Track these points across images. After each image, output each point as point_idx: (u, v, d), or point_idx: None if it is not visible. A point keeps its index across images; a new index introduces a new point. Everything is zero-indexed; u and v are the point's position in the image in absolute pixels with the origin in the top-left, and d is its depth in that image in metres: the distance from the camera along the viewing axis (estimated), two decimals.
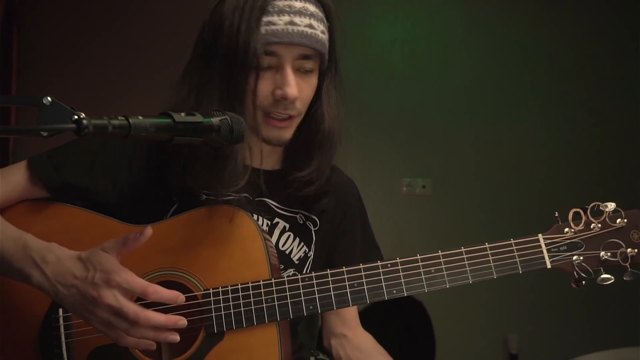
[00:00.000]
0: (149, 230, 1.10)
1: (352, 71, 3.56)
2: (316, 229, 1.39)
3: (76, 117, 0.81)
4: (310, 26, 1.21)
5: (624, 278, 1.18)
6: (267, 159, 1.34)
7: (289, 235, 1.36)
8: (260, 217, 1.33)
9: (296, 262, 1.36)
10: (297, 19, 1.20)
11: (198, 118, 1.00)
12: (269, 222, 1.34)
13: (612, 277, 1.18)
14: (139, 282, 1.08)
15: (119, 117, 0.88)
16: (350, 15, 3.69)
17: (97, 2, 3.59)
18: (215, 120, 1.03)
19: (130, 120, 0.88)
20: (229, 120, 1.06)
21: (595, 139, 3.68)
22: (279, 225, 1.35)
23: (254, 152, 1.29)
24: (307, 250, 1.38)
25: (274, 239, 1.34)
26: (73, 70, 3.50)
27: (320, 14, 1.25)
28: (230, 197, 1.28)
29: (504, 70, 3.73)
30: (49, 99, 0.82)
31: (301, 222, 1.37)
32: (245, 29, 1.18)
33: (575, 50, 3.71)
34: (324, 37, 1.25)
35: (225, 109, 1.17)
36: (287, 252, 1.36)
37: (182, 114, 0.98)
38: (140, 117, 0.90)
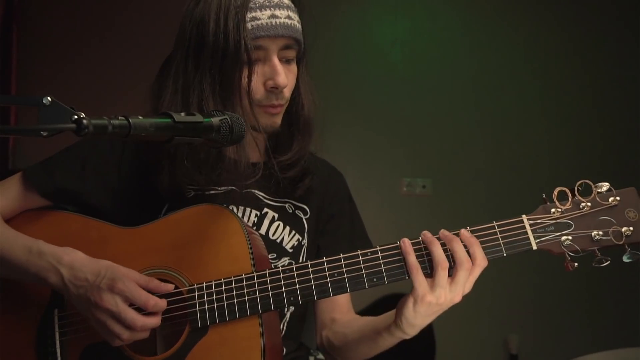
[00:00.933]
0: (170, 287, 1.20)
1: (353, 71, 3.60)
2: (307, 217, 1.42)
3: (76, 117, 0.82)
4: (289, 17, 1.27)
5: (624, 260, 1.12)
6: (252, 152, 1.36)
7: (279, 225, 1.38)
8: (248, 208, 1.36)
9: (290, 250, 1.38)
10: (277, 12, 1.26)
11: (198, 118, 1.00)
12: (258, 213, 1.37)
13: (609, 258, 1.13)
14: (142, 295, 1.15)
15: (119, 117, 0.88)
16: (350, 15, 3.69)
17: (97, 2, 3.60)
18: (215, 120, 1.04)
19: (130, 120, 0.88)
20: (229, 120, 1.06)
21: (597, 139, 3.67)
22: (268, 215, 1.38)
23: (239, 145, 1.31)
24: (300, 238, 1.40)
25: (263, 229, 1.36)
26: (73, 70, 3.50)
27: (293, 6, 1.31)
28: (218, 191, 1.32)
29: (504, 69, 3.73)
30: (49, 99, 0.82)
31: (290, 211, 1.40)
32: (233, 27, 1.23)
33: (575, 48, 3.71)
34: (299, 26, 1.31)
35: (219, 106, 1.23)
36: (277, 240, 1.37)
37: (182, 114, 0.98)
38: (140, 117, 0.91)
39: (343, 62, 3.62)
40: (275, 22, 1.25)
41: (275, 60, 1.26)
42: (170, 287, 1.20)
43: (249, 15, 1.24)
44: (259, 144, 1.36)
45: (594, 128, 3.68)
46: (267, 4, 1.25)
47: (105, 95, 3.40)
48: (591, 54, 3.71)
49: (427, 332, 3.42)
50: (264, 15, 1.24)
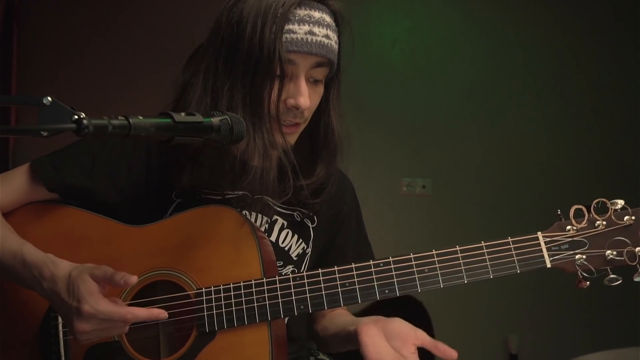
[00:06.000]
0: (134, 279, 1.09)
1: (352, 71, 3.58)
2: (314, 225, 1.41)
3: (76, 117, 0.81)
4: (327, 37, 1.23)
5: (635, 279, 1.12)
6: (267, 159, 1.35)
7: (288, 232, 1.37)
8: (260, 214, 1.34)
9: (295, 258, 1.37)
10: (316, 29, 1.21)
11: (198, 118, 1.00)
12: (269, 220, 1.35)
13: (620, 278, 1.13)
14: (114, 310, 1.08)
15: (119, 117, 0.87)
16: (350, 15, 3.68)
17: (97, 2, 3.59)
18: (215, 120, 1.03)
19: (130, 120, 0.88)
20: (229, 120, 1.05)
21: (596, 139, 3.68)
22: (278, 222, 1.36)
23: (253, 150, 1.30)
24: (305, 246, 1.39)
25: (273, 236, 1.35)
26: (73, 70, 3.50)
27: (334, 25, 1.27)
28: (230, 195, 1.30)
29: (504, 70, 3.73)
30: (49, 99, 0.81)
31: (299, 219, 1.38)
32: (269, 37, 1.18)
33: (576, 49, 3.71)
34: (336, 47, 1.27)
35: (248, 116, 1.20)
36: (285, 248, 1.36)
37: (182, 114, 0.98)
38: (140, 117, 0.90)
39: (342, 62, 3.62)
40: (312, 39, 1.20)
41: (302, 80, 1.23)
42: (134, 279, 1.09)
43: (286, 27, 1.19)
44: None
45: (594, 128, 3.68)
46: (307, 19, 1.21)
47: (105, 95, 3.40)
48: (591, 53, 3.71)
49: (427, 332, 3.42)
50: (301, 30, 1.20)
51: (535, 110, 3.71)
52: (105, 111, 0.91)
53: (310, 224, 1.40)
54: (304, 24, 1.20)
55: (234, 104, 1.21)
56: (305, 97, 1.22)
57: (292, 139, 1.29)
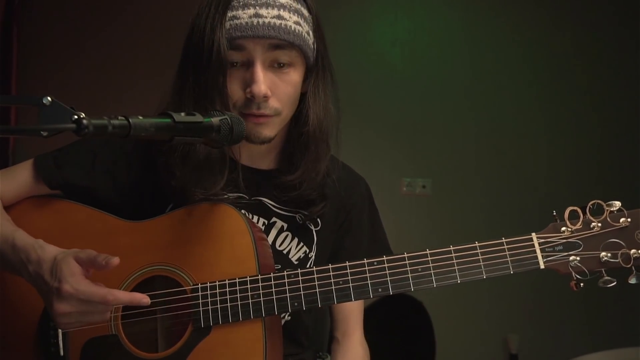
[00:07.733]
0: (116, 260, 1.09)
1: (352, 71, 3.60)
2: (318, 229, 1.38)
3: (76, 117, 0.81)
4: (279, 17, 1.17)
5: (629, 281, 1.12)
6: (263, 159, 1.35)
7: (287, 235, 1.35)
8: (256, 216, 1.33)
9: (295, 262, 1.35)
10: (262, 11, 1.16)
11: (198, 118, 1.00)
12: (266, 222, 1.34)
13: (614, 280, 1.12)
14: (94, 291, 1.08)
15: (119, 117, 0.87)
16: (350, 15, 3.69)
17: (97, 2, 3.60)
18: (215, 120, 1.03)
19: (130, 120, 0.88)
20: (229, 120, 1.06)
21: (596, 139, 3.67)
22: (277, 224, 1.35)
23: (247, 150, 1.30)
24: (307, 250, 1.37)
25: (270, 238, 1.33)
26: (73, 70, 3.50)
27: (296, 6, 1.21)
28: (226, 197, 1.29)
29: (504, 70, 3.73)
30: (49, 99, 0.81)
31: (301, 222, 1.36)
32: (210, 27, 1.17)
33: (576, 49, 3.71)
34: (300, 28, 1.20)
35: (200, 110, 1.16)
36: (284, 252, 1.35)
37: (182, 114, 0.98)
38: (140, 117, 0.90)
39: (343, 62, 3.62)
40: (257, 21, 1.15)
41: (257, 66, 1.17)
42: (116, 261, 1.09)
43: (230, 13, 1.16)
44: (271, 151, 1.34)
45: (594, 128, 3.68)
46: (253, 2, 1.16)
47: (105, 95, 3.40)
48: (591, 53, 3.71)
49: (427, 332, 3.42)
50: (245, 14, 1.16)
51: (535, 110, 3.71)
52: (105, 111, 0.91)
53: (313, 227, 1.38)
54: (249, 8, 1.16)
55: (189, 101, 1.20)
56: (258, 84, 1.17)
57: (268, 131, 1.23)
